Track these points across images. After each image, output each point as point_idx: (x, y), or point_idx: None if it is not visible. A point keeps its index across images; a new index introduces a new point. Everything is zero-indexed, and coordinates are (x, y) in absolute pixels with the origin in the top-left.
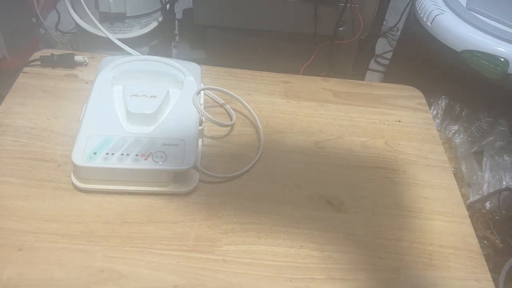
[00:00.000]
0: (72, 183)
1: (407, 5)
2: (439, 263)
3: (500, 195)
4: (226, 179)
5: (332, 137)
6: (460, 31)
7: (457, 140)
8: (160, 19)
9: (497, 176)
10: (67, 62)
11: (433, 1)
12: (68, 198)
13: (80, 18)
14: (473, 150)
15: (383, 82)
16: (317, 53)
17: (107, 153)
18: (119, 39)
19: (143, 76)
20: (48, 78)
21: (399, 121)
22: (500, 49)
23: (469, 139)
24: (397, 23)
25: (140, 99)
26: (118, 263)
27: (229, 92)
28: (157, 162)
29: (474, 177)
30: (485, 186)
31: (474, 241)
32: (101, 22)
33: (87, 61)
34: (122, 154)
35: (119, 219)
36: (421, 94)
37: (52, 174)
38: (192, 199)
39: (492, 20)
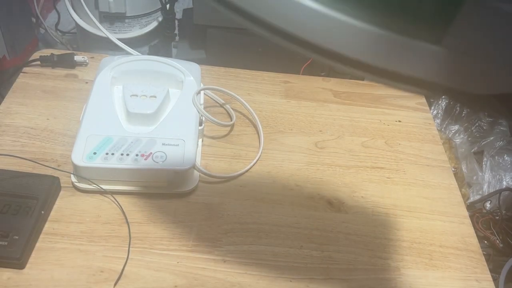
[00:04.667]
0: (72, 183)
1: None
2: (439, 263)
3: (500, 195)
4: (226, 179)
5: (332, 137)
6: None
7: (457, 140)
8: (160, 19)
9: (497, 176)
10: (67, 62)
11: None
12: (68, 198)
13: (80, 18)
14: (473, 150)
15: None
16: None
17: (107, 153)
18: (119, 39)
19: (143, 76)
20: (48, 78)
21: (399, 121)
22: None
23: (469, 139)
24: None
25: (140, 99)
26: (118, 263)
27: (229, 92)
28: (157, 162)
29: (474, 177)
30: (485, 186)
31: (474, 241)
32: (101, 22)
33: (87, 61)
34: (122, 154)
35: (119, 219)
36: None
37: (52, 174)
38: (192, 199)
39: None
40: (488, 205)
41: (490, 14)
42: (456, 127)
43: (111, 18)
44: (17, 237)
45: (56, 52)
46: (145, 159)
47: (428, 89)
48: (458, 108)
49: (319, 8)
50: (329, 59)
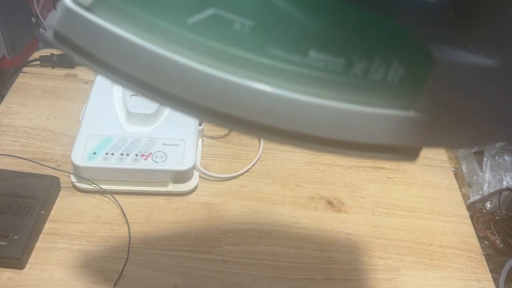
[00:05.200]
0: (72, 183)
1: None
2: (439, 263)
3: (501, 195)
4: (226, 179)
5: None
6: None
7: None
8: None
9: (498, 176)
10: (67, 62)
11: None
12: (68, 198)
13: None
14: (473, 150)
15: None
16: None
17: (107, 153)
18: None
19: None
20: (48, 78)
21: None
22: None
23: None
24: None
25: (140, 99)
26: (118, 263)
27: None
28: (157, 162)
29: (475, 177)
30: (485, 186)
31: (474, 241)
32: None
33: None
34: (122, 154)
35: (119, 219)
36: None
37: (52, 174)
38: (192, 199)
39: None
40: (488, 205)
41: (461, 71)
42: None
43: None
44: (17, 237)
45: (56, 52)
46: (145, 159)
47: (402, 153)
48: None
49: (266, 89)
50: (275, 136)
